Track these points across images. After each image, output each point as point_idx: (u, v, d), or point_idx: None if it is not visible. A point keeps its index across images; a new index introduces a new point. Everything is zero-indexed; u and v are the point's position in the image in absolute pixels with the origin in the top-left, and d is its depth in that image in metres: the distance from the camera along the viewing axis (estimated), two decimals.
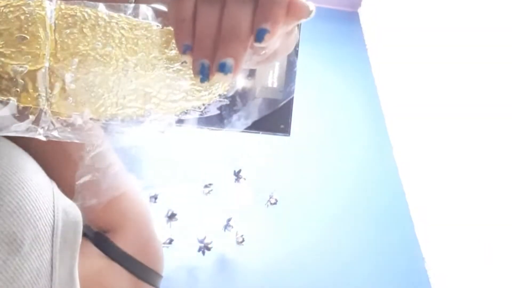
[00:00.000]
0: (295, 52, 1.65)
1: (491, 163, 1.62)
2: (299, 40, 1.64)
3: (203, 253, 1.70)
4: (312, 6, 0.42)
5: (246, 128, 1.72)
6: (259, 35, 0.39)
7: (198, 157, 2.03)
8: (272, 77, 1.65)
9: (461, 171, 1.78)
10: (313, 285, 1.81)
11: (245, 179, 1.85)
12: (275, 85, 1.65)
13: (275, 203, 1.87)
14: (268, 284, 1.78)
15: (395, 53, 2.41)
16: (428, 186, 1.99)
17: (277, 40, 0.42)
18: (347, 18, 2.95)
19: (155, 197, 1.73)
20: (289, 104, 1.67)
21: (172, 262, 1.75)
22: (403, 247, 2.02)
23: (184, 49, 0.41)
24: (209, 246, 1.70)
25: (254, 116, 1.68)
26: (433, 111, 2.00)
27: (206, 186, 1.82)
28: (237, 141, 2.08)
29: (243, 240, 1.77)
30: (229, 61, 0.39)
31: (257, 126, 1.72)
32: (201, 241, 1.71)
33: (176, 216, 1.70)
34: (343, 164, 2.22)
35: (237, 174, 1.85)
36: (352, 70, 2.66)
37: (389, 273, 1.92)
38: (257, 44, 0.40)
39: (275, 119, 1.70)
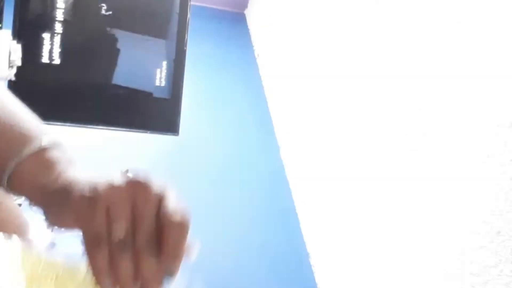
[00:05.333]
0: (183, 51, 1.64)
1: (375, 162, 1.71)
2: (187, 40, 1.64)
3: None
4: (195, 245, 0.56)
5: (133, 128, 1.69)
6: (167, 277, 0.51)
7: (82, 157, 1.95)
8: (160, 77, 1.63)
9: (344, 170, 1.86)
10: (203, 283, 1.81)
11: None
12: (163, 84, 1.63)
13: None
14: None
15: (281, 53, 2.47)
16: (313, 184, 2.06)
17: None
18: (234, 19, 2.98)
19: None
20: (178, 103, 1.66)
21: None
22: (289, 243, 2.08)
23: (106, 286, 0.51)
24: None
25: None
26: (318, 112, 2.07)
27: None
28: (124, 141, 2.03)
29: None
30: None
31: (146, 125, 1.69)
32: None
33: None
34: (232, 163, 2.24)
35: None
36: (239, 70, 2.69)
37: (276, 268, 1.96)
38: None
39: (163, 118, 1.68)
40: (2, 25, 1.50)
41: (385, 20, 1.68)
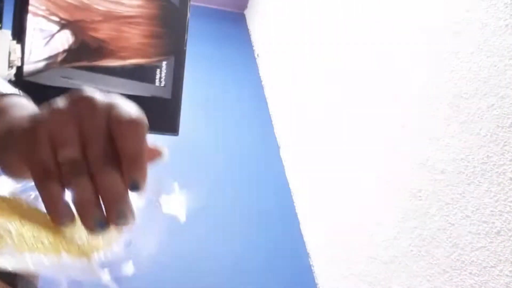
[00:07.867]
0: (183, 51, 1.64)
1: (375, 162, 1.71)
2: (186, 40, 1.64)
3: None
4: (163, 148, 0.51)
5: None
6: (134, 188, 0.44)
7: None
8: (160, 77, 1.63)
9: (344, 170, 1.86)
10: (203, 283, 1.81)
11: None
12: (163, 84, 1.63)
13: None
14: None
15: (281, 53, 2.47)
16: (313, 183, 2.06)
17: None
18: (234, 19, 2.98)
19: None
20: (178, 103, 1.66)
21: None
22: (289, 243, 2.08)
23: (63, 221, 0.44)
24: None
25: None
26: (318, 111, 2.07)
27: None
28: None
29: (130, 243, 1.72)
30: (124, 212, 0.44)
31: None
32: None
33: None
34: (232, 163, 2.24)
35: None
36: (239, 70, 2.69)
37: (276, 268, 1.96)
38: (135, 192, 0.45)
39: (163, 118, 1.68)
40: (2, 25, 1.50)
41: (386, 20, 1.68)
